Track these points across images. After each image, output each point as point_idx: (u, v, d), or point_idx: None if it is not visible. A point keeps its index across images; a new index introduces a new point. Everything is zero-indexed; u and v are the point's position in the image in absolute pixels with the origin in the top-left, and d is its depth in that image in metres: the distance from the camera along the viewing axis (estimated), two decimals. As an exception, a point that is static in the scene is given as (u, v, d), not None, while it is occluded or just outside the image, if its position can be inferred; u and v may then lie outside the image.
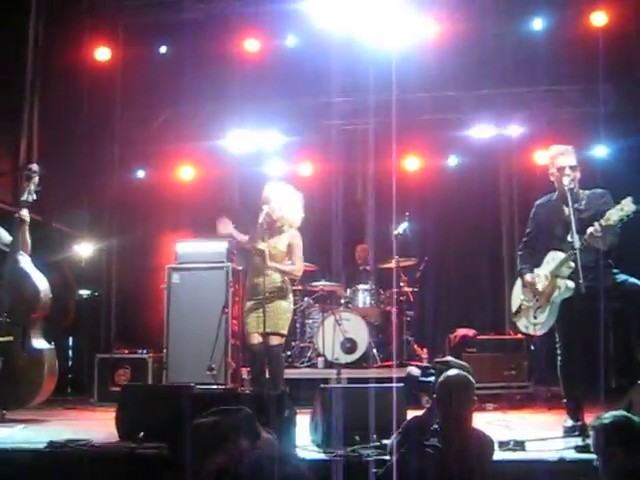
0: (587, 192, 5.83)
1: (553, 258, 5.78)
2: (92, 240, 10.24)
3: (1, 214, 8.18)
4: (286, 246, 6.57)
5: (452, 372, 4.34)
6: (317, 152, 10.90)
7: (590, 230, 5.43)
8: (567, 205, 5.59)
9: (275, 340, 6.50)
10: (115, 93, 10.73)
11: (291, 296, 6.74)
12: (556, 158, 5.87)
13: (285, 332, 6.64)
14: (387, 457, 4.47)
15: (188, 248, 8.78)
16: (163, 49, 10.79)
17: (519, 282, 6.13)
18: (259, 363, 6.54)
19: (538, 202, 6.10)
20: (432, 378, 5.96)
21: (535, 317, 5.92)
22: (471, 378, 4.23)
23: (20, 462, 4.97)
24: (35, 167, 7.06)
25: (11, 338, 6.72)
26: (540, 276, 5.88)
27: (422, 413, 4.49)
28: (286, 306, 6.54)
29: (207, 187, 11.01)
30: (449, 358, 5.42)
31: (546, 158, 6.15)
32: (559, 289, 5.71)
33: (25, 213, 6.86)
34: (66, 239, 10.11)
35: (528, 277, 5.94)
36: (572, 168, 5.77)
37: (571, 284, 5.58)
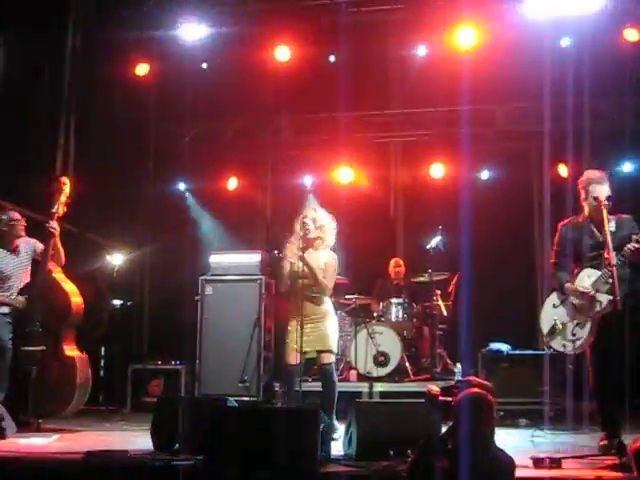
0: (613, 217, 5.79)
1: (589, 275, 5.77)
2: (124, 250, 10.29)
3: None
4: (324, 264, 6.55)
5: (470, 391, 4.24)
6: (351, 164, 10.91)
7: (629, 246, 5.55)
8: (598, 228, 5.71)
9: (326, 358, 6.43)
10: (149, 107, 10.84)
11: (335, 314, 6.70)
12: (591, 186, 5.82)
13: (335, 349, 6.57)
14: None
15: (221, 260, 8.80)
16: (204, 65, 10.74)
17: (549, 302, 6.08)
18: (292, 383, 6.48)
19: (563, 224, 6.04)
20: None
21: (574, 334, 5.86)
22: (489, 397, 4.12)
23: (57, 472, 4.96)
24: (65, 179, 7.11)
25: (44, 347, 6.78)
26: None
27: (443, 432, 4.42)
28: (333, 325, 6.52)
29: (241, 199, 11.07)
30: (471, 377, 5.36)
31: (580, 183, 5.96)
32: (600, 303, 5.68)
33: (54, 225, 6.92)
34: (99, 249, 10.18)
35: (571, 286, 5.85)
36: (608, 199, 5.74)
37: (611, 298, 5.53)
